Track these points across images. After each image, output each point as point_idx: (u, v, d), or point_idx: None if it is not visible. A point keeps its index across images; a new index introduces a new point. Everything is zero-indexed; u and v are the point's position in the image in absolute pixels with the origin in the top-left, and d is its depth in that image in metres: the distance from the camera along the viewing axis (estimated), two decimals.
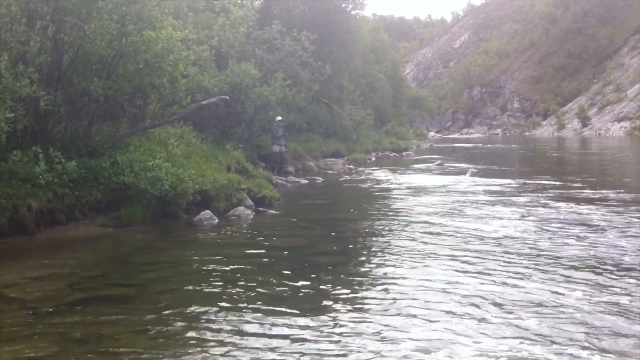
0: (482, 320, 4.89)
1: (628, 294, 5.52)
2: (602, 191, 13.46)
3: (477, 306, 5.23)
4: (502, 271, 6.40)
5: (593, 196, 12.65)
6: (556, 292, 5.58)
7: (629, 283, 5.89)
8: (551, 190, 13.79)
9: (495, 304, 5.27)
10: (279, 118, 18.91)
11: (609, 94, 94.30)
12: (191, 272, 6.78)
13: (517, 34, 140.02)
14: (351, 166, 23.70)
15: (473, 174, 19.73)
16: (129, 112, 11.14)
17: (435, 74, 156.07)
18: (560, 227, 8.98)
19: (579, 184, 15.03)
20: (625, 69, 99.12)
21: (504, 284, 5.91)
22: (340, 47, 29.78)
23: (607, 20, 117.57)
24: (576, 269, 6.47)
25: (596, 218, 9.79)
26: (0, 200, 7.75)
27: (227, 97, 14.25)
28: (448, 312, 5.08)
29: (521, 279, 6.08)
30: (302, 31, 22.39)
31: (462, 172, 20.49)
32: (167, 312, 5.20)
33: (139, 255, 7.69)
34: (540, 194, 13.10)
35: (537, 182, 15.93)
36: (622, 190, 13.51)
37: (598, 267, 6.52)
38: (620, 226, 8.96)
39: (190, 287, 6.03)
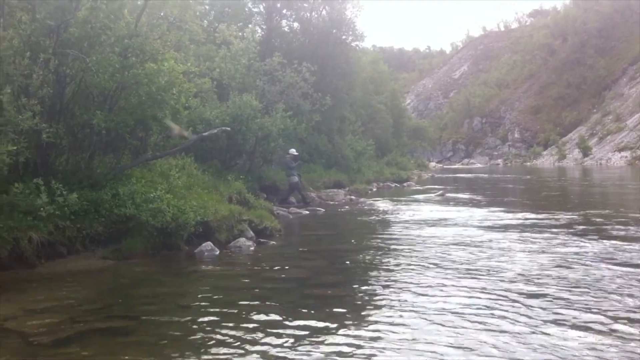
0: (487, 354, 4.84)
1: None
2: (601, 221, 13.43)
3: (483, 339, 5.18)
4: (504, 302, 6.35)
5: (587, 225, 12.62)
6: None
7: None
8: (566, 225, 13.76)
9: (502, 335, 5.22)
10: (293, 151, 19.98)
11: (609, 124, 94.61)
12: (191, 304, 6.73)
13: (516, 65, 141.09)
14: (352, 197, 23.68)
15: (442, 194, 21.43)
16: (130, 144, 11.18)
17: (436, 104, 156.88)
18: (576, 263, 8.93)
19: (569, 214, 15.01)
20: (624, 99, 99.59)
21: (507, 316, 5.87)
22: (341, 78, 30.02)
23: (605, 51, 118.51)
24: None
25: (596, 251, 9.75)
26: (1, 233, 7.75)
27: (229, 129, 14.30)
28: (452, 345, 5.03)
29: (524, 315, 6.03)
30: (303, 63, 22.59)
31: (463, 202, 20.47)
32: (167, 344, 5.16)
33: (139, 288, 7.64)
34: (553, 229, 13.06)
35: (543, 215, 15.87)
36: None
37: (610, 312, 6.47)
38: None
39: (191, 319, 5.98)
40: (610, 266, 8.23)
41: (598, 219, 13.77)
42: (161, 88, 10.33)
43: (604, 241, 10.42)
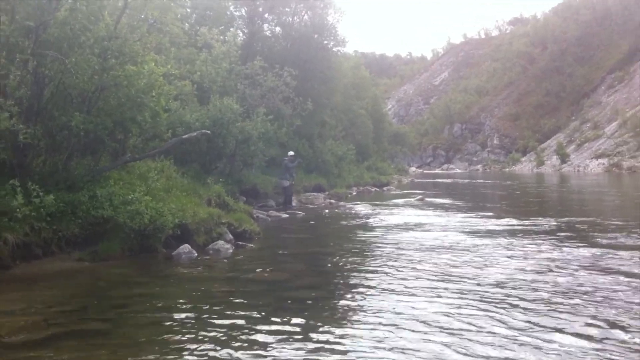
0: (466, 350, 4.89)
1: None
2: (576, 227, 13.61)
3: (458, 337, 5.23)
4: (478, 302, 6.42)
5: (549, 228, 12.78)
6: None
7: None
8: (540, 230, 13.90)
9: (478, 334, 5.28)
10: (291, 153, 20.79)
11: (587, 131, 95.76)
12: (168, 307, 6.71)
13: (496, 72, 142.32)
14: (332, 201, 23.73)
15: (422, 199, 22.45)
16: (109, 146, 11.12)
17: (416, 110, 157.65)
18: (556, 268, 9.04)
19: (540, 218, 15.18)
20: (602, 107, 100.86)
21: (482, 315, 5.93)
22: (322, 83, 30.07)
23: (584, 60, 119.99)
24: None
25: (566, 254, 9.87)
26: None
27: (209, 132, 14.27)
28: (428, 345, 5.08)
29: (497, 313, 6.10)
30: (284, 67, 22.61)
31: (442, 207, 20.61)
32: (143, 347, 5.14)
33: (115, 290, 7.60)
34: (531, 234, 13.20)
35: (521, 220, 16.03)
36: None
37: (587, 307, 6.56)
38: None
39: (167, 322, 5.97)
40: (590, 272, 8.33)
41: (579, 226, 13.93)
42: (140, 90, 10.29)
43: (585, 247, 10.53)
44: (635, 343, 5.17)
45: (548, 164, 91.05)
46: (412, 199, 24.75)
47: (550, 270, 8.39)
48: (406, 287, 7.46)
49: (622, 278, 7.81)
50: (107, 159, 11.43)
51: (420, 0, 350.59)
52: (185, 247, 10.01)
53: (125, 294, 7.27)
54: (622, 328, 5.59)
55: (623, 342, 5.20)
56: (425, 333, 5.47)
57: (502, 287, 7.34)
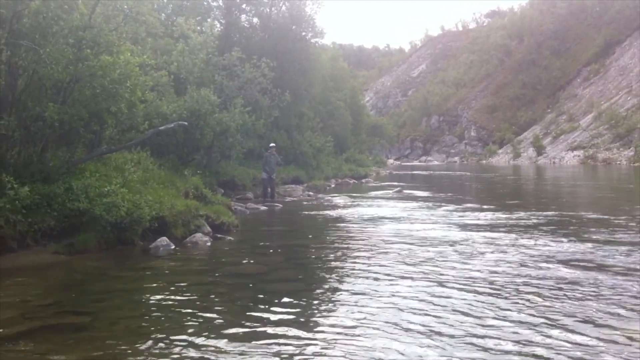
0: (445, 341, 4.92)
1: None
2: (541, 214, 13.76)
3: (435, 326, 5.26)
4: (460, 296, 6.46)
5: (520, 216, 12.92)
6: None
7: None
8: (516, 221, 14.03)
9: (455, 321, 5.31)
10: (273, 145, 20.54)
11: (563, 123, 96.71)
12: (145, 300, 6.67)
13: (474, 65, 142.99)
14: (311, 193, 23.72)
15: (400, 191, 23.37)
16: (84, 138, 10.99)
17: (394, 102, 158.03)
18: (529, 262, 9.13)
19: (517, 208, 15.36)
20: (578, 100, 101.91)
21: (465, 309, 5.97)
22: (300, 74, 30.00)
23: (560, 53, 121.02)
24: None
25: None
26: None
27: (185, 123, 14.17)
28: (409, 334, 5.09)
29: (473, 302, 6.15)
30: (262, 58, 22.52)
31: (420, 199, 20.71)
32: (119, 341, 5.10)
33: (92, 283, 7.53)
34: (504, 223, 13.32)
35: (502, 212, 16.16)
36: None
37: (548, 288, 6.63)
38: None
39: (144, 315, 5.93)
40: (570, 265, 8.44)
41: (558, 219, 14.09)
42: (115, 80, 10.16)
43: (566, 240, 10.67)
44: (621, 336, 5.23)
45: (524, 156, 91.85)
46: (390, 191, 24.82)
47: (529, 264, 8.47)
48: (382, 279, 7.48)
49: (604, 271, 7.91)
50: (82, 150, 11.29)
51: None
52: (163, 240, 9.94)
53: (102, 288, 7.21)
54: (606, 322, 5.66)
55: (607, 335, 5.27)
56: (402, 328, 5.48)
57: (479, 280, 7.39)
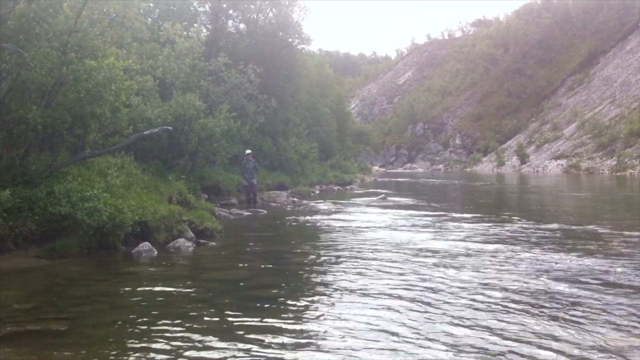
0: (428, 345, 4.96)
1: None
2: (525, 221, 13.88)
3: (419, 332, 5.29)
4: (443, 304, 6.50)
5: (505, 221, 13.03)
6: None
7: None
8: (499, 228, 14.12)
9: (438, 332, 5.35)
10: (249, 151, 20.15)
11: (547, 132, 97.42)
12: (127, 306, 6.65)
13: (459, 73, 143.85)
14: (295, 199, 23.74)
15: (385, 198, 23.61)
16: (68, 141, 10.94)
17: (380, 109, 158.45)
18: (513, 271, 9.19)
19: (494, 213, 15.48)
20: (562, 109, 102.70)
21: (444, 317, 6.01)
22: (286, 80, 30.08)
23: (545, 62, 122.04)
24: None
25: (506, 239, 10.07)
26: None
27: (170, 128, 14.14)
28: (391, 341, 5.13)
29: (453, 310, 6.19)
30: (249, 64, 22.55)
31: (404, 206, 20.79)
32: (101, 346, 5.09)
33: (73, 288, 7.49)
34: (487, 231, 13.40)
35: (484, 220, 16.25)
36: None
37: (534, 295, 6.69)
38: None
39: (126, 321, 5.91)
40: (551, 275, 8.51)
41: (541, 226, 14.19)
42: (100, 84, 10.13)
43: (551, 251, 10.76)
44: (607, 344, 5.30)
45: (508, 165, 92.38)
46: (374, 198, 24.89)
47: (513, 273, 8.53)
48: (366, 286, 7.51)
49: (591, 280, 7.99)
50: (65, 154, 11.23)
51: (385, 0, 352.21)
52: (145, 245, 9.91)
53: (83, 293, 7.17)
54: (590, 329, 5.73)
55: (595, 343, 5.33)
56: (385, 335, 5.51)
57: (462, 288, 7.44)
